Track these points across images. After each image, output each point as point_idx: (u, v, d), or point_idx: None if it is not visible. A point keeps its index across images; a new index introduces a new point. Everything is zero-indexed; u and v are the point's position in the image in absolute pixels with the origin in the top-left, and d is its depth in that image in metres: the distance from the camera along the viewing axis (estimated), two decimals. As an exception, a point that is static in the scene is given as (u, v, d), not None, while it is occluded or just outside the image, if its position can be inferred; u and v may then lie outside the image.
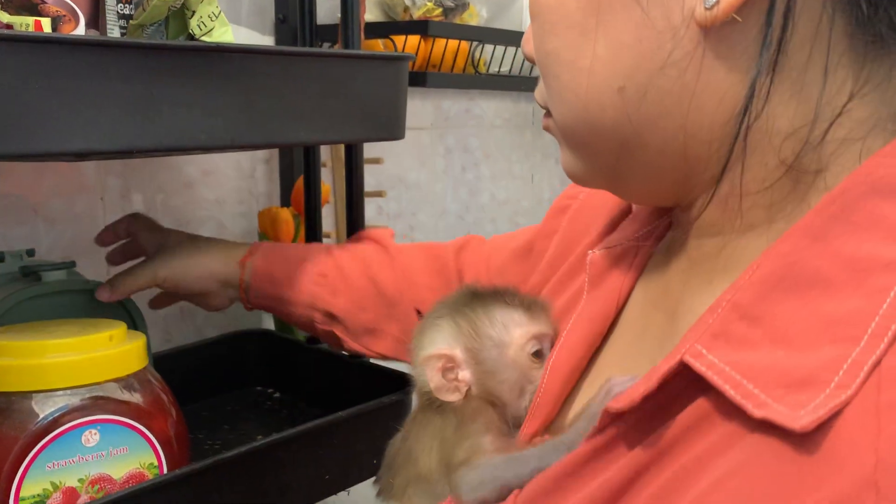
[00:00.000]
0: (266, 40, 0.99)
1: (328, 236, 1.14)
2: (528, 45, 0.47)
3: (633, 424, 0.38)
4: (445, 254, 0.82)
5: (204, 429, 0.88)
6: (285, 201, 1.11)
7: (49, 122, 0.54)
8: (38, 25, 0.60)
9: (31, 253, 0.84)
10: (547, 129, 0.48)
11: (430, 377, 0.51)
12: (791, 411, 0.31)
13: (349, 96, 0.73)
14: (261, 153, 1.12)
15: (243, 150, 0.99)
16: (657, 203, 0.47)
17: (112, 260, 0.91)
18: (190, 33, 0.70)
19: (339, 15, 0.85)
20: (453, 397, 0.51)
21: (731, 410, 0.34)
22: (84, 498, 0.61)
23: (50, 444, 0.60)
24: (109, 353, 0.64)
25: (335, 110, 0.73)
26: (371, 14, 1.08)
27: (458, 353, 0.51)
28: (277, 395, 0.99)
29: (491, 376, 0.51)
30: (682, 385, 0.36)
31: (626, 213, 0.54)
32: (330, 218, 1.20)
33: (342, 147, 0.96)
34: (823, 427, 0.30)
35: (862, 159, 0.37)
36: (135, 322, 0.81)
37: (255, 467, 0.70)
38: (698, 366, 0.35)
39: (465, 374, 0.51)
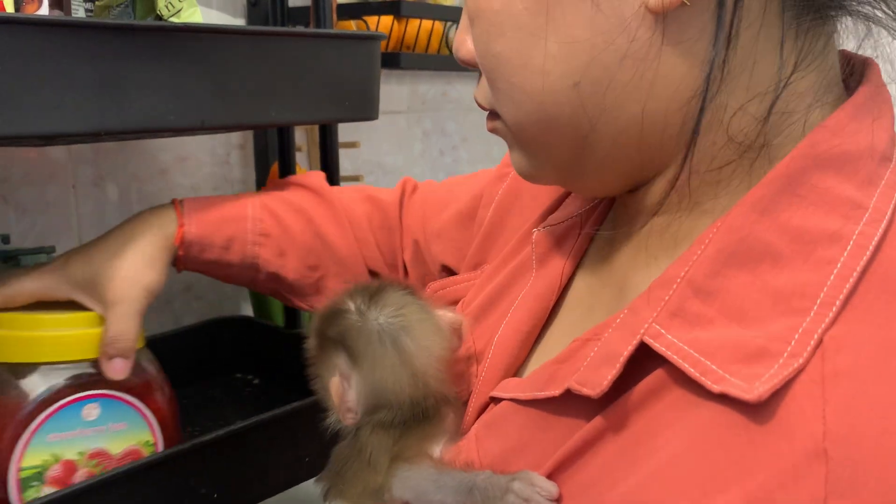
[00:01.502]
0: (237, 23, 0.98)
1: (305, 221, 1.13)
2: (463, 48, 0.45)
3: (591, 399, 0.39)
4: (388, 206, 0.76)
5: (183, 416, 0.88)
6: (261, 187, 1.10)
7: (12, 104, 0.53)
8: (0, 5, 0.59)
9: (5, 239, 0.83)
10: (493, 131, 0.47)
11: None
12: (746, 384, 0.32)
13: (321, 76, 0.73)
14: (235, 138, 1.11)
15: (214, 132, 0.98)
16: (609, 193, 0.47)
17: None
18: (158, 14, 0.69)
19: (311, -4, 0.84)
20: None
21: (685, 382, 0.35)
22: (82, 471, 0.62)
23: (52, 416, 0.61)
24: None
25: (306, 91, 0.72)
26: (344, -5, 1.08)
27: None
28: (257, 381, 0.99)
29: None
30: (640, 359, 0.37)
31: (569, 191, 0.54)
32: (307, 203, 1.20)
33: (318, 131, 0.95)
34: (775, 398, 0.32)
35: (805, 132, 0.38)
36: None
37: (233, 449, 0.70)
38: (658, 346, 0.36)
39: None
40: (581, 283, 0.49)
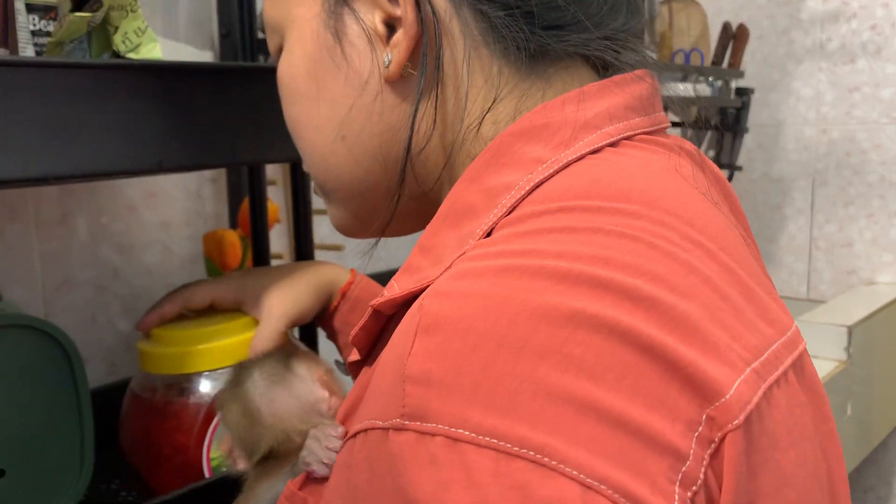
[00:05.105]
0: (205, 56, 0.95)
1: (280, 257, 1.09)
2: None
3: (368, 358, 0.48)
4: None
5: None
6: (235, 222, 1.07)
7: (-49, 150, 0.50)
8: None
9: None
10: (315, 192, 0.55)
11: None
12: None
13: (288, 112, 0.70)
14: (207, 172, 1.08)
15: (171, 173, 0.95)
16: (416, 230, 0.52)
17: None
18: (115, 50, 0.66)
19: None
20: None
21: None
22: None
23: None
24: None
25: (272, 127, 0.68)
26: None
27: None
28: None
29: None
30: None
31: None
32: (284, 239, 1.16)
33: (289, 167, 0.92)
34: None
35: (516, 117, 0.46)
36: (68, 355, 0.76)
37: None
38: (386, 293, 0.44)
39: None
40: None
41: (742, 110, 1.55)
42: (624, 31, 0.48)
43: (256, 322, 0.74)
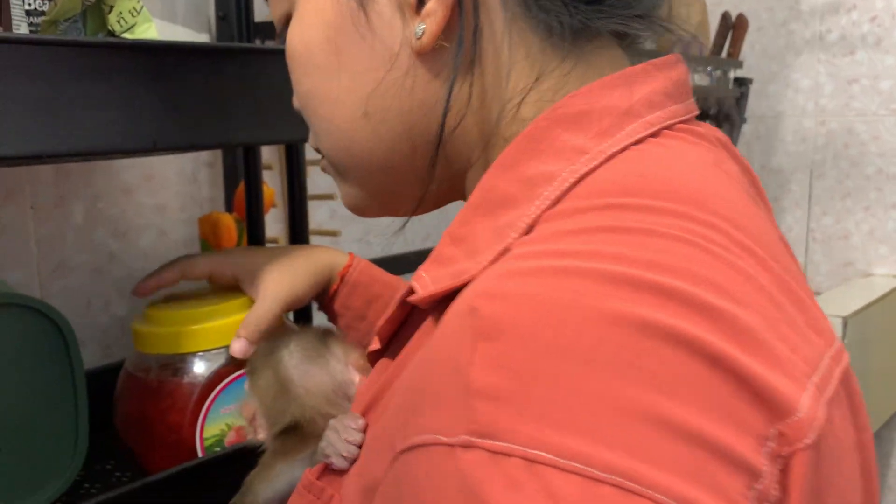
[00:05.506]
0: (202, 38, 0.95)
1: (275, 241, 1.10)
2: (294, 98, 0.52)
3: (388, 349, 0.47)
4: None
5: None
6: (230, 206, 1.07)
7: (-57, 127, 0.50)
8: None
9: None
10: (324, 170, 0.53)
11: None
12: (434, 285, 0.40)
13: (282, 94, 0.70)
14: (204, 156, 1.08)
15: (166, 153, 0.95)
16: (431, 208, 0.51)
17: None
18: (110, 30, 0.66)
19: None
20: None
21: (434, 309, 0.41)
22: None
23: (220, 394, 0.73)
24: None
25: (268, 109, 0.69)
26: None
27: None
28: (224, 408, 0.95)
29: None
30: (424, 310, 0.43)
31: None
32: (280, 223, 1.16)
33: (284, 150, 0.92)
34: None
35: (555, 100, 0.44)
36: (64, 335, 0.76)
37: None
38: (415, 284, 0.42)
39: None
40: None
41: (740, 100, 1.55)
42: (654, 6, 0.46)
43: (252, 303, 0.74)
